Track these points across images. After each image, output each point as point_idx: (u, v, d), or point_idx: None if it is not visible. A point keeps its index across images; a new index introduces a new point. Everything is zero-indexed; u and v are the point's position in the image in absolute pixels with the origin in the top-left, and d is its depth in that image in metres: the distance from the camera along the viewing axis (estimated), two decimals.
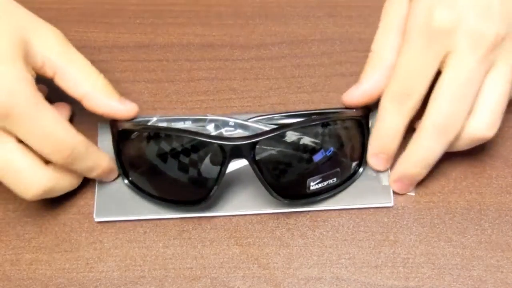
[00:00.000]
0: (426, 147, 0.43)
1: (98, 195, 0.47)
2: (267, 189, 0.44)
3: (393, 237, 0.45)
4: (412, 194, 0.46)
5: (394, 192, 0.46)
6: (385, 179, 0.46)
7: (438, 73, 0.43)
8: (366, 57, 0.51)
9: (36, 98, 0.41)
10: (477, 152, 0.48)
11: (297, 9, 0.54)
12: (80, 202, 0.47)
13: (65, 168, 0.43)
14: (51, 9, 0.54)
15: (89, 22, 0.54)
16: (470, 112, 0.43)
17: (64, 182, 0.44)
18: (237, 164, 0.46)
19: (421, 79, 0.43)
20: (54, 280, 0.45)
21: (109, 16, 0.54)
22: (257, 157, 0.43)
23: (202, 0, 0.55)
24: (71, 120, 0.48)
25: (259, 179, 0.43)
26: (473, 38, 0.41)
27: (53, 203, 0.47)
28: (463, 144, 0.44)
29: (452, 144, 0.43)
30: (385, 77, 0.44)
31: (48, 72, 0.43)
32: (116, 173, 0.47)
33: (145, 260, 0.45)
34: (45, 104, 0.41)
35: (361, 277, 0.44)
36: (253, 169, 0.43)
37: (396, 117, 0.44)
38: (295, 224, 0.46)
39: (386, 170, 0.46)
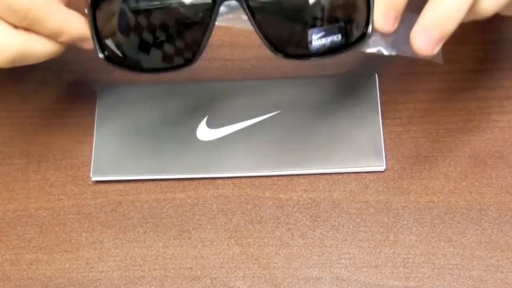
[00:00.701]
0: None
1: (95, 156, 0.47)
2: (264, 42, 0.41)
3: (393, 237, 0.45)
4: (440, 62, 0.42)
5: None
6: (387, 50, 0.43)
7: None
8: (366, 57, 0.51)
9: None
10: (477, 152, 0.48)
11: None
12: (81, 202, 0.47)
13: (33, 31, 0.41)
14: None
15: None
16: None
17: (35, 45, 0.41)
18: (232, 128, 0.47)
19: None
20: (54, 280, 0.45)
21: None
22: (251, 3, 0.40)
23: None
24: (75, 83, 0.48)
25: (255, 30, 0.40)
26: None
27: (53, 202, 0.47)
28: None
29: None
30: None
31: None
32: (91, 42, 0.42)
33: (145, 260, 0.45)
34: None
35: (361, 277, 0.44)
36: (248, 17, 0.40)
37: None
38: (295, 224, 0.46)
39: (392, 33, 0.41)
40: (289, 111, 0.49)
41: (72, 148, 0.49)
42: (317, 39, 0.41)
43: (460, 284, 0.44)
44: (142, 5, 0.41)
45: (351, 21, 0.41)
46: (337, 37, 0.41)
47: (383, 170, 0.47)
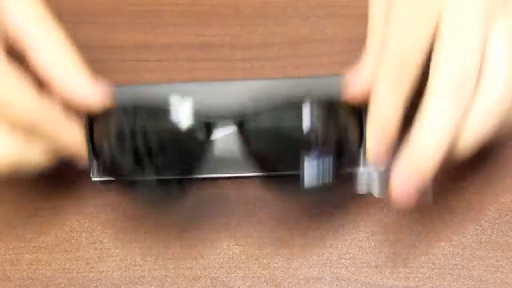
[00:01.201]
0: (438, 113, 0.36)
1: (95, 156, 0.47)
2: (256, 170, 0.42)
3: (393, 237, 0.45)
4: (430, 202, 0.43)
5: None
6: (377, 188, 0.43)
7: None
8: None
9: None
10: (477, 152, 0.48)
11: (297, 9, 0.54)
12: (80, 202, 0.47)
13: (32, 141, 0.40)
14: (51, 9, 0.54)
15: (89, 22, 0.54)
16: (479, 77, 0.37)
17: (32, 155, 0.40)
18: (232, 128, 0.47)
19: (417, 41, 0.37)
20: (54, 280, 0.45)
21: (109, 16, 0.54)
22: (246, 130, 0.41)
23: (202, 0, 0.55)
24: None
25: (247, 153, 0.41)
26: None
27: (53, 202, 0.47)
28: (480, 114, 0.37)
29: (467, 121, 0.37)
30: None
31: (17, 42, 0.40)
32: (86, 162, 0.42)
33: (145, 260, 0.45)
34: (7, 71, 0.38)
35: (361, 277, 0.44)
36: (241, 141, 0.41)
37: (393, 95, 0.38)
38: (295, 224, 0.46)
39: (385, 166, 0.41)
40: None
41: None
42: (308, 172, 0.41)
43: (460, 284, 0.44)
44: (136, 129, 0.41)
45: (343, 158, 0.42)
46: (329, 171, 0.41)
47: (383, 169, 0.47)
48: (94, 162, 0.44)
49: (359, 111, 0.41)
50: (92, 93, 0.41)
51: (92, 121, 0.41)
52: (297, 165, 0.41)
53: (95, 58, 0.51)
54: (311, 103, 0.41)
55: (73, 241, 0.46)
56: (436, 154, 0.37)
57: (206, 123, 0.40)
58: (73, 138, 0.41)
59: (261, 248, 0.45)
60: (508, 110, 0.38)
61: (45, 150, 0.40)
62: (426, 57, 0.38)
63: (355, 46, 0.52)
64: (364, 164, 0.42)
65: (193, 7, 0.55)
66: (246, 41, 0.53)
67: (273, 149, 0.42)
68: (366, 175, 0.41)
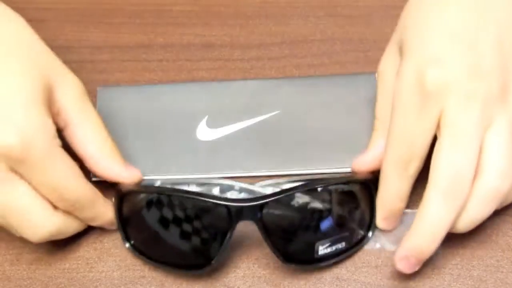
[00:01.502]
0: (434, 215, 0.41)
1: None
2: (274, 253, 0.43)
3: (393, 237, 0.45)
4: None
5: None
6: (389, 245, 0.45)
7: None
8: (366, 57, 0.52)
9: (53, 148, 0.40)
10: None
11: (297, 9, 0.54)
12: None
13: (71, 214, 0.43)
14: (51, 9, 0.54)
15: (89, 22, 0.54)
16: (476, 174, 0.41)
17: (70, 227, 0.43)
18: (232, 128, 0.49)
19: (420, 143, 0.41)
20: (54, 280, 0.45)
21: (109, 16, 0.54)
22: (264, 220, 0.42)
23: (202, 0, 0.55)
24: None
25: (266, 242, 0.42)
26: (465, 96, 0.40)
27: None
28: (477, 205, 0.41)
29: (465, 209, 0.41)
30: None
31: (60, 123, 0.43)
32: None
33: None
34: (61, 154, 0.41)
35: (361, 277, 0.44)
36: (260, 231, 0.42)
37: (400, 182, 0.43)
38: None
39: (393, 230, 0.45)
40: (289, 111, 0.49)
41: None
42: (323, 250, 0.44)
43: (460, 284, 0.44)
44: (164, 210, 0.43)
45: (354, 230, 0.45)
46: (341, 245, 0.44)
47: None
48: (122, 231, 0.45)
49: (368, 185, 0.44)
50: (122, 174, 0.44)
51: (122, 197, 0.44)
52: (312, 247, 0.43)
53: (95, 58, 0.52)
54: (325, 185, 0.43)
55: (73, 241, 0.46)
56: (435, 242, 0.41)
57: (227, 206, 0.42)
58: (106, 213, 0.44)
59: (261, 248, 0.45)
60: (505, 197, 0.42)
61: (81, 220, 0.44)
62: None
63: (355, 46, 0.53)
64: (374, 229, 0.45)
65: (193, 7, 0.55)
66: (246, 41, 0.53)
67: (289, 233, 0.44)
68: (377, 236, 0.45)
